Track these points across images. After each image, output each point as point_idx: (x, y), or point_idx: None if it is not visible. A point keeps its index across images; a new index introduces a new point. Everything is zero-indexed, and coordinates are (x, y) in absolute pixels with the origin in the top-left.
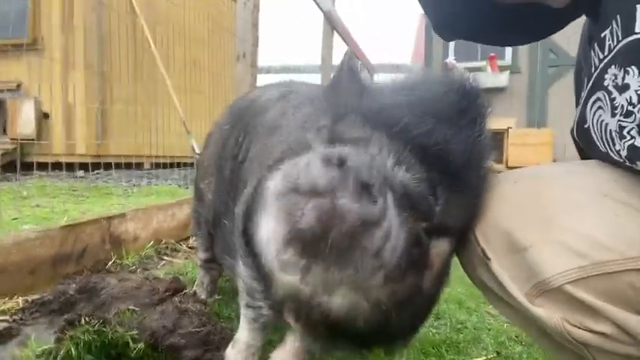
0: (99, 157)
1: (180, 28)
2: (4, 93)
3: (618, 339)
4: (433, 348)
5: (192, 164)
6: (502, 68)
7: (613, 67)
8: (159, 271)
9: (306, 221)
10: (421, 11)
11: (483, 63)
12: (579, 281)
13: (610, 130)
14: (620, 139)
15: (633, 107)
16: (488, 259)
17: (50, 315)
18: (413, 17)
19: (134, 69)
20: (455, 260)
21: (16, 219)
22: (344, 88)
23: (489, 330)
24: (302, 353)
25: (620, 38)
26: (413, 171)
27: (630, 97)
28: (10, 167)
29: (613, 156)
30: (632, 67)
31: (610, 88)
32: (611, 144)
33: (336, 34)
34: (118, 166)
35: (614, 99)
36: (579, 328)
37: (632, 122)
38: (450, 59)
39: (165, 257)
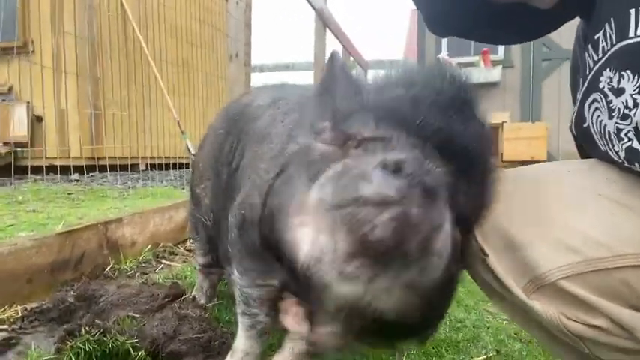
0: (93, 159)
1: (172, 29)
2: None
3: (613, 332)
4: (433, 347)
5: (187, 165)
6: (495, 63)
7: (608, 69)
8: (157, 275)
9: (379, 234)
10: (413, 7)
11: (476, 58)
12: (574, 277)
13: (608, 132)
14: (618, 141)
15: (629, 110)
16: (486, 255)
17: (49, 323)
18: (405, 13)
19: (126, 71)
20: None
21: (12, 225)
22: (339, 87)
23: (488, 328)
24: (301, 358)
25: (614, 42)
26: (439, 165)
27: (626, 101)
28: (3, 172)
29: (612, 156)
30: (627, 71)
31: (605, 90)
32: (610, 144)
33: (328, 32)
34: (112, 168)
35: (610, 101)
36: (575, 321)
37: (629, 125)
38: (443, 55)
39: (164, 261)
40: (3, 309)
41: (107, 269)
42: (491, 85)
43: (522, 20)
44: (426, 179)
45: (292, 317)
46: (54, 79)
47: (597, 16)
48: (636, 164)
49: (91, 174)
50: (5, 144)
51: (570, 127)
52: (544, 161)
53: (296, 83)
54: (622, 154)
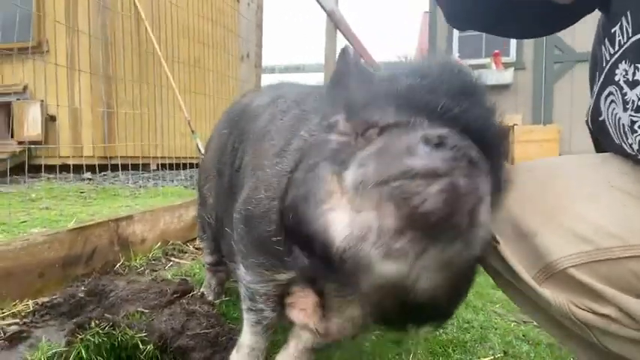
0: (106, 158)
1: (184, 30)
2: (10, 96)
3: (622, 322)
4: (440, 348)
5: (197, 165)
6: (506, 65)
7: (623, 62)
8: (166, 272)
9: (431, 205)
10: (425, 9)
11: (488, 60)
12: (584, 265)
13: (623, 124)
14: (632, 133)
15: None
16: (498, 242)
17: (60, 317)
18: (416, 15)
19: (139, 70)
20: None
21: (24, 222)
22: (352, 78)
23: (496, 329)
24: (305, 355)
25: (630, 35)
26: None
27: None
28: (18, 170)
29: (626, 149)
30: None
31: (621, 83)
32: (624, 137)
33: (339, 33)
34: (124, 167)
35: (625, 94)
36: (584, 309)
37: None
38: (454, 57)
39: (173, 258)
40: (14, 303)
41: (117, 266)
42: (503, 88)
43: (542, 14)
44: (470, 151)
45: (300, 311)
46: (68, 78)
47: (614, 10)
48: None
49: (103, 173)
50: (20, 143)
51: (586, 121)
52: None
53: (294, 82)
54: (635, 147)
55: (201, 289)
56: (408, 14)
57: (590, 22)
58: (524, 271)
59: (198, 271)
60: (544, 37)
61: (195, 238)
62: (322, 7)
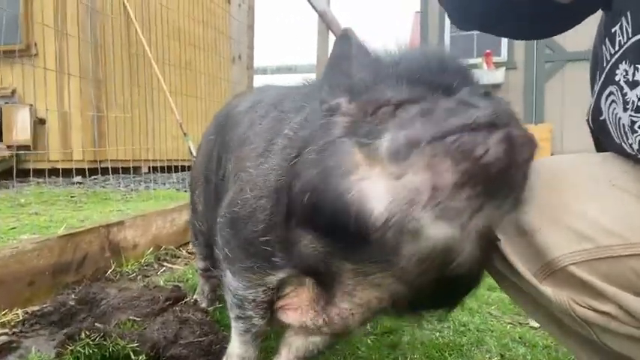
0: (96, 162)
1: (174, 32)
2: None
3: (621, 319)
4: (437, 352)
5: (189, 167)
6: (498, 65)
7: (624, 62)
8: (159, 278)
9: (494, 154)
10: (416, 9)
11: (479, 60)
12: (584, 263)
13: (623, 125)
14: (632, 133)
15: None
16: (499, 240)
17: (50, 327)
18: (408, 15)
19: (129, 73)
20: None
21: (14, 228)
22: (355, 60)
23: (492, 332)
24: None
25: (630, 35)
26: None
27: None
28: (7, 175)
29: (626, 148)
30: None
31: (621, 83)
32: (624, 137)
33: (331, 34)
34: (115, 170)
35: (625, 94)
36: (584, 307)
37: None
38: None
39: (166, 263)
40: (4, 312)
41: (109, 272)
42: (495, 87)
43: (543, 14)
44: (507, 111)
45: (294, 311)
46: (57, 81)
47: (615, 10)
48: None
49: (93, 177)
50: (8, 147)
51: (587, 120)
52: None
53: (277, 85)
54: (635, 146)
55: (195, 296)
56: (400, 14)
57: (583, 21)
58: (525, 270)
59: (191, 276)
60: None
61: (188, 243)
62: (314, 7)
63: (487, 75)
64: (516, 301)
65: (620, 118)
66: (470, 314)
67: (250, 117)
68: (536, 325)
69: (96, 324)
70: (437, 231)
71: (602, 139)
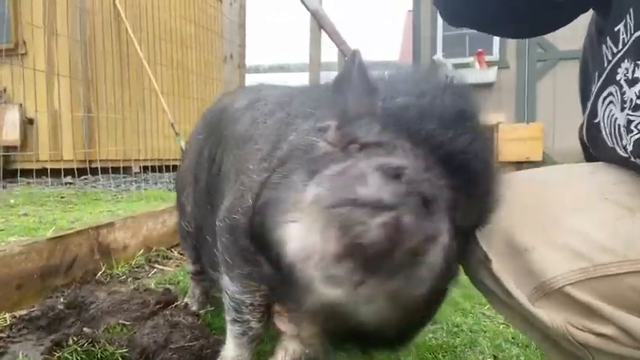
0: (86, 162)
1: (165, 31)
2: None
3: (621, 341)
4: (430, 354)
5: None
6: (490, 64)
7: (626, 60)
8: (150, 280)
9: (371, 237)
10: (409, 8)
11: (471, 59)
12: (580, 283)
13: (618, 125)
14: (627, 133)
15: None
16: (490, 261)
17: (38, 331)
18: (400, 13)
19: (120, 73)
20: None
21: (2, 230)
22: (353, 87)
23: (485, 332)
24: None
25: (632, 31)
26: (441, 178)
27: (639, 91)
28: None
29: (619, 151)
30: None
31: (622, 82)
32: (618, 139)
33: (323, 33)
34: (105, 170)
35: (624, 93)
36: (582, 330)
37: None
38: (438, 56)
39: (157, 265)
40: None
41: (99, 274)
42: (487, 86)
43: (536, 13)
44: (426, 188)
45: (286, 319)
46: (46, 81)
47: (618, 8)
48: None
49: (84, 177)
50: None
51: (580, 126)
52: (540, 161)
53: (273, 84)
54: (629, 148)
55: (185, 299)
56: (392, 13)
57: (575, 20)
58: (518, 292)
59: (182, 278)
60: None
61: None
62: (306, 6)
63: (479, 74)
64: (510, 321)
65: (616, 119)
66: (463, 315)
67: (252, 114)
68: None
69: (84, 329)
70: (324, 291)
71: (593, 147)
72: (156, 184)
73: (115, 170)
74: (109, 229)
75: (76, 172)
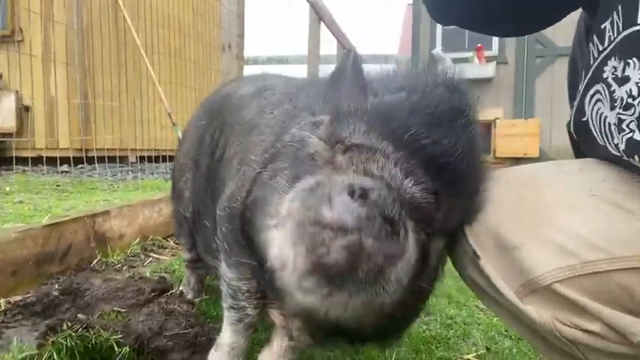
0: (82, 150)
1: (163, 19)
2: None
3: (608, 337)
4: (424, 345)
5: None
6: (489, 59)
7: (613, 59)
8: (145, 269)
9: (333, 258)
10: (408, 1)
11: (470, 54)
12: (568, 280)
13: (609, 124)
14: (619, 133)
15: (633, 100)
16: (478, 257)
17: (33, 317)
18: (400, 8)
19: (117, 61)
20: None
21: None
22: (346, 83)
23: (479, 325)
24: (289, 353)
25: (621, 30)
26: (420, 182)
27: (630, 90)
28: None
29: (611, 150)
30: (634, 58)
31: (609, 80)
32: (609, 137)
33: (322, 25)
34: (102, 159)
35: (613, 92)
36: (569, 326)
37: (632, 115)
38: (437, 50)
39: (152, 254)
40: None
41: (94, 262)
42: (485, 81)
43: (524, 11)
44: (389, 210)
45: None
46: (43, 68)
47: (605, 5)
48: (636, 157)
49: (80, 165)
50: None
51: (568, 123)
52: (537, 157)
53: (277, 74)
54: (622, 147)
55: (180, 287)
56: (392, 5)
57: (574, 15)
58: (506, 288)
59: (177, 267)
60: None
61: None
62: None
63: (478, 69)
64: (499, 316)
65: (605, 117)
66: (457, 307)
67: (259, 103)
68: None
69: (79, 315)
70: (298, 298)
71: (583, 143)
72: (152, 174)
73: (112, 160)
74: (105, 217)
75: (72, 161)
